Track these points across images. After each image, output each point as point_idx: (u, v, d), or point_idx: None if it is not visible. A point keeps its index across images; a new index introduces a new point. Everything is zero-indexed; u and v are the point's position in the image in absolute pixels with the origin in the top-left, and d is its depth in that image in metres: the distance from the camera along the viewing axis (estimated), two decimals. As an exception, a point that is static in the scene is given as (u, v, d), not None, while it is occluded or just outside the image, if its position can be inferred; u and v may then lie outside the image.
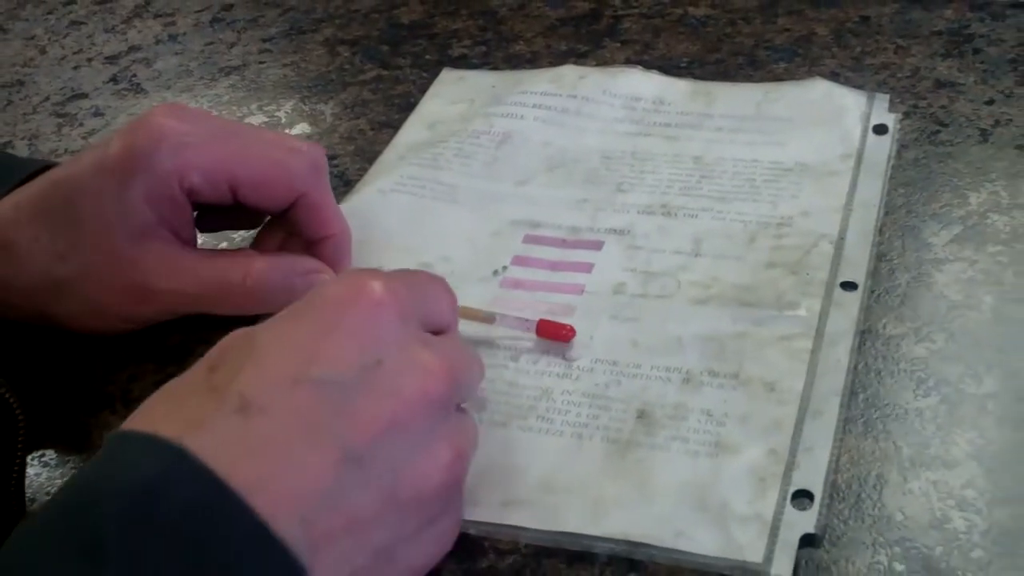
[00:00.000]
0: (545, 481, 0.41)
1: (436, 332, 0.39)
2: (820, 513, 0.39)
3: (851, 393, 0.43)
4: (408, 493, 0.35)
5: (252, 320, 0.42)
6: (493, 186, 0.55)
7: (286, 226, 0.49)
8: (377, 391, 0.34)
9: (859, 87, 0.58)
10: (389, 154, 0.59)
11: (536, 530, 0.40)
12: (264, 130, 0.61)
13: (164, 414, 0.33)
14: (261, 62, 0.69)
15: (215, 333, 0.46)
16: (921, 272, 0.48)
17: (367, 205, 0.54)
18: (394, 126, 0.61)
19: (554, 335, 0.46)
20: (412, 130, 0.60)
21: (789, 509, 0.39)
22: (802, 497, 0.39)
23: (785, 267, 0.48)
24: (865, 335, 0.45)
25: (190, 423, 0.32)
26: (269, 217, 0.51)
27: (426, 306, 0.39)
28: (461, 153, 0.57)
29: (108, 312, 0.47)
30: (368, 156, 0.58)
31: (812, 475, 0.40)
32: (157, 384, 0.45)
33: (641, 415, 0.43)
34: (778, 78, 0.60)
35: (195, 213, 0.48)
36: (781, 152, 0.55)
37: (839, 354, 0.44)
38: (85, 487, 0.32)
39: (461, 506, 0.39)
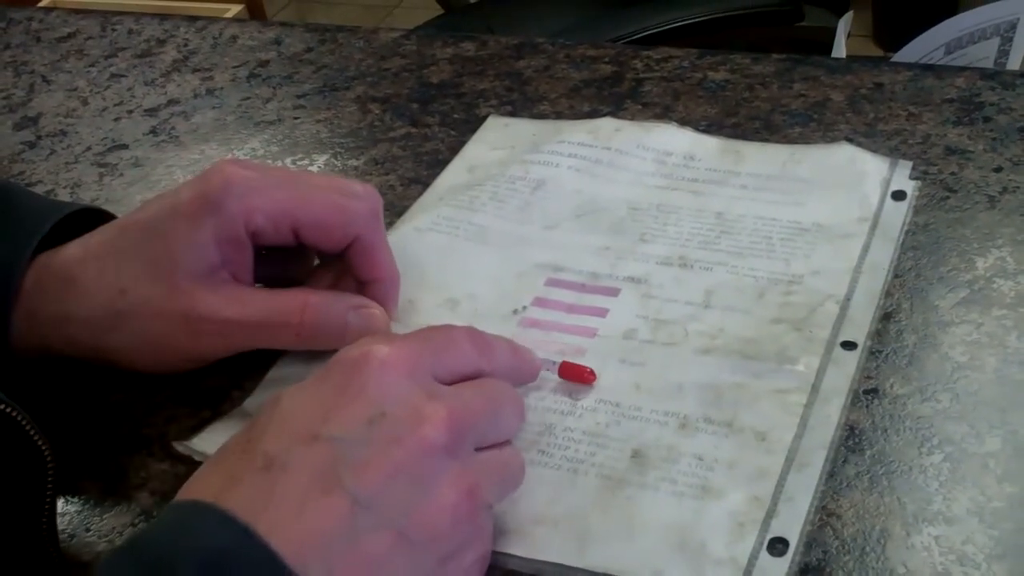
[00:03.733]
0: (537, 512, 0.43)
1: (465, 378, 0.42)
2: (793, 561, 0.41)
3: (838, 448, 0.45)
4: (419, 534, 0.38)
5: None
6: (522, 229, 0.58)
7: (337, 269, 0.52)
8: (381, 442, 0.38)
9: (871, 152, 0.60)
10: (429, 195, 0.62)
11: (521, 558, 0.42)
12: (325, 175, 0.64)
13: (211, 481, 0.38)
14: (295, 117, 0.71)
15: (251, 379, 0.51)
16: (928, 333, 0.49)
17: (404, 242, 0.57)
18: (423, 182, 0.63)
19: (576, 377, 0.49)
20: (453, 172, 0.63)
21: (764, 555, 0.41)
22: (778, 544, 0.41)
23: (790, 323, 0.50)
24: (872, 394, 0.47)
25: (227, 483, 0.37)
26: (318, 263, 0.54)
27: (443, 357, 0.42)
28: (496, 197, 0.60)
29: (162, 347, 0.50)
30: (397, 210, 0.60)
31: (790, 523, 0.42)
32: (193, 428, 0.49)
33: (636, 455, 0.45)
34: (793, 142, 0.62)
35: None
36: (800, 212, 0.57)
37: (831, 410, 0.46)
38: (161, 556, 0.35)
39: (488, 538, 0.41)
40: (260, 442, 0.38)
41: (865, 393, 0.47)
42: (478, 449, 0.41)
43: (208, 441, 0.48)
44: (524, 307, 0.54)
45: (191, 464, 0.47)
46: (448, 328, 0.45)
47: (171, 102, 0.75)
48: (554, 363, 0.49)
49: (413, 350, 0.41)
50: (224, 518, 0.35)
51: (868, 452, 0.45)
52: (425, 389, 0.40)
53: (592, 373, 0.49)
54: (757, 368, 0.48)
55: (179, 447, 0.48)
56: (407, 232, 0.59)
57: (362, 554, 0.36)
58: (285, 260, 0.54)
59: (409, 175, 0.64)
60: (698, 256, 0.55)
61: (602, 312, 0.53)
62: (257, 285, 0.52)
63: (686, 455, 0.45)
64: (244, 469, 0.37)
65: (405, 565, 0.37)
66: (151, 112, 0.75)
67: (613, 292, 0.54)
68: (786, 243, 0.55)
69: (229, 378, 0.52)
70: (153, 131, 0.72)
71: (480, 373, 0.44)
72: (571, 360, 0.50)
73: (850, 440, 0.45)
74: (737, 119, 0.65)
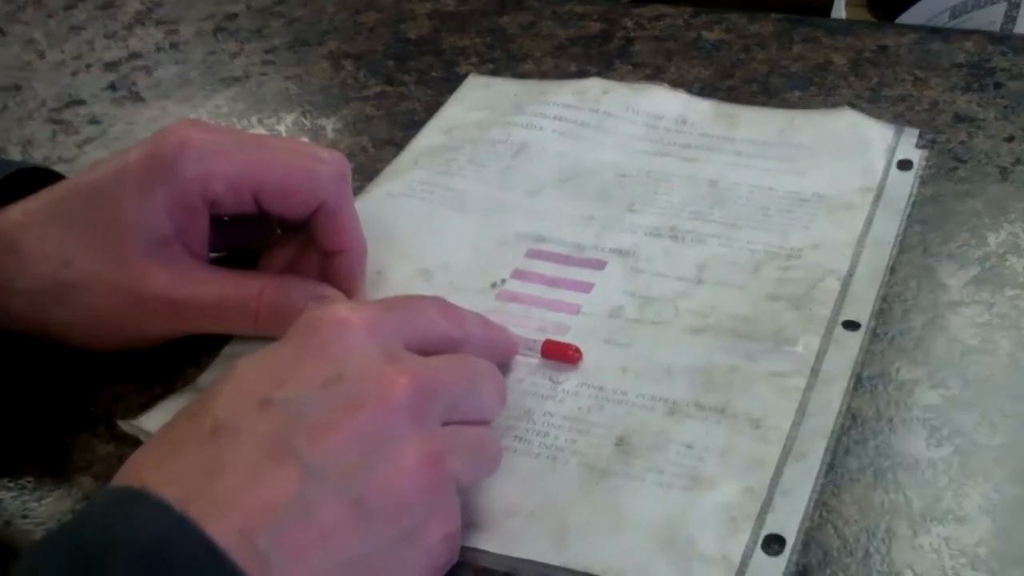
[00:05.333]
0: (511, 504, 0.40)
1: (438, 352, 0.39)
2: (790, 561, 0.38)
3: (839, 437, 0.42)
4: (375, 502, 0.34)
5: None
6: (503, 195, 0.55)
7: (300, 240, 0.49)
8: (335, 404, 0.35)
9: (875, 119, 0.57)
10: (404, 158, 0.58)
11: (495, 554, 0.39)
12: (288, 139, 0.60)
13: (155, 452, 0.35)
14: (263, 74, 0.68)
15: (207, 353, 0.48)
16: (936, 314, 0.46)
17: (375, 208, 0.54)
18: (397, 144, 0.59)
19: (560, 356, 0.45)
20: (430, 134, 0.60)
21: (759, 553, 0.38)
22: (774, 543, 0.38)
23: (788, 300, 0.47)
24: (876, 379, 0.44)
25: (171, 452, 0.35)
26: (280, 232, 0.50)
27: (410, 322, 0.40)
28: (475, 160, 0.57)
29: (109, 324, 0.46)
30: (369, 174, 0.57)
31: (787, 520, 0.39)
32: (141, 406, 0.46)
33: (620, 442, 0.42)
34: (792, 107, 0.59)
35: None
36: (799, 181, 0.53)
37: (832, 395, 0.43)
38: (93, 545, 0.32)
39: (455, 516, 0.37)
40: (211, 408, 0.35)
41: (868, 378, 0.44)
42: (449, 423, 0.38)
43: (157, 420, 0.44)
44: (503, 280, 0.50)
45: (138, 445, 0.43)
46: (415, 296, 0.43)
47: (133, 56, 0.72)
48: (535, 341, 0.46)
49: (377, 312, 0.39)
50: (160, 505, 0.32)
51: (872, 443, 0.42)
52: (389, 351, 0.37)
53: (577, 351, 0.46)
54: (752, 349, 0.45)
55: (125, 426, 0.45)
56: (378, 197, 0.55)
57: (314, 526, 0.33)
58: (244, 229, 0.50)
59: (383, 136, 0.61)
60: (690, 227, 0.52)
61: (586, 287, 0.49)
62: (213, 255, 0.49)
63: (675, 443, 0.42)
64: (191, 437, 0.35)
65: (361, 537, 0.34)
66: (111, 66, 0.71)
67: (599, 265, 0.50)
68: (784, 214, 0.52)
69: (183, 352, 0.48)
70: (112, 86, 0.69)
71: (453, 345, 0.41)
72: (554, 338, 0.46)
73: (852, 429, 0.42)
74: (733, 81, 0.62)
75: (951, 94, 0.59)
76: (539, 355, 0.46)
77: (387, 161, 0.58)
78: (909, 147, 0.55)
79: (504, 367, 0.45)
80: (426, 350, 0.39)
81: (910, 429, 0.42)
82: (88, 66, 0.71)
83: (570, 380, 0.45)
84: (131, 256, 0.45)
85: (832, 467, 0.41)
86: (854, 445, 0.41)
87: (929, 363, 0.44)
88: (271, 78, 0.67)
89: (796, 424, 0.42)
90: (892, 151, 0.54)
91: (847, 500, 0.40)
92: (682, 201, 0.53)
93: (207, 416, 0.35)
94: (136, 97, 0.67)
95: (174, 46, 0.72)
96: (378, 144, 0.60)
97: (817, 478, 0.40)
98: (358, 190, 0.56)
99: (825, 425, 0.42)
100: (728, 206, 0.53)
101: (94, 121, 0.65)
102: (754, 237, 0.50)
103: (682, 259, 0.50)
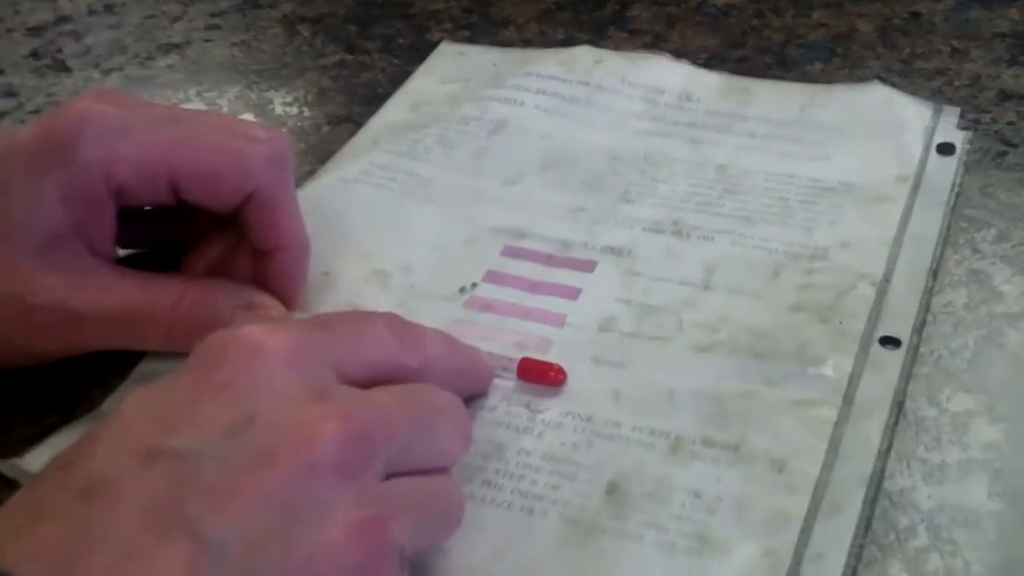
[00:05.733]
0: (478, 568, 0.32)
1: (387, 381, 0.32)
2: (824, 648, 0.30)
3: (880, 485, 0.34)
4: None
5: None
6: (476, 182, 0.47)
7: (230, 237, 0.42)
8: (240, 458, 0.27)
9: (910, 96, 0.50)
10: (362, 137, 0.51)
11: (453, 638, 0.31)
12: (216, 114, 0.53)
13: (15, 516, 0.28)
14: (207, 40, 0.61)
15: (118, 372, 0.40)
16: (992, 329, 0.39)
17: (324, 196, 0.46)
18: (355, 121, 0.52)
19: (539, 378, 0.38)
20: (394, 110, 0.52)
21: (784, 639, 0.30)
22: (803, 624, 0.30)
23: (813, 311, 0.39)
24: (923, 410, 0.36)
25: (32, 518, 0.27)
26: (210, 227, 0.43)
27: (350, 347, 0.32)
28: (444, 141, 0.49)
29: None
30: (321, 155, 0.50)
31: (819, 593, 0.31)
32: (30, 439, 0.37)
33: (612, 490, 0.34)
34: (813, 81, 0.52)
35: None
36: (823, 168, 0.46)
37: (870, 431, 0.35)
38: None
39: None
40: (86, 460, 0.28)
41: (914, 410, 0.36)
42: (394, 475, 0.30)
43: (44, 459, 0.36)
44: (474, 284, 0.42)
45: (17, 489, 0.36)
46: (360, 312, 0.36)
47: (61, 19, 0.64)
48: (511, 359, 0.38)
49: (305, 334, 0.31)
50: None
51: (923, 491, 0.34)
52: (315, 387, 0.29)
53: (561, 371, 0.38)
54: (771, 371, 0.37)
55: (3, 466, 0.37)
56: (330, 183, 0.47)
57: None
58: (167, 221, 0.43)
59: (340, 112, 0.54)
60: (696, 221, 0.44)
61: (573, 293, 0.42)
62: (128, 252, 0.42)
63: (679, 491, 0.34)
64: (59, 496, 0.27)
65: None
66: (36, 31, 0.63)
67: (588, 266, 0.43)
68: (806, 206, 0.44)
69: (88, 370, 0.40)
70: (35, 54, 0.61)
71: (409, 374, 0.33)
72: (533, 356, 0.38)
73: (897, 475, 0.35)
74: (744, 52, 0.56)
75: (995, 67, 0.52)
76: (515, 376, 0.38)
77: (342, 141, 0.51)
78: (950, 128, 0.48)
79: (474, 397, 0.37)
80: (373, 380, 0.31)
81: (967, 474, 0.34)
82: (9, 30, 0.63)
83: (551, 408, 0.37)
84: (16, 258, 0.37)
85: (872, 523, 0.33)
86: (899, 495, 0.34)
87: (986, 390, 0.37)
88: (216, 45, 0.60)
89: (827, 467, 0.34)
90: (931, 133, 0.47)
91: (895, 568, 0.32)
92: (686, 190, 0.46)
93: (80, 470, 0.27)
94: (60, 66, 0.60)
95: (108, 8, 0.65)
96: (334, 121, 0.53)
97: (855, 538, 0.33)
98: (308, 175, 0.49)
99: (863, 469, 0.34)
100: (740, 197, 0.45)
101: (10, 94, 0.58)
102: (771, 234, 0.43)
103: (687, 260, 0.42)
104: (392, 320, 0.34)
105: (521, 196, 0.46)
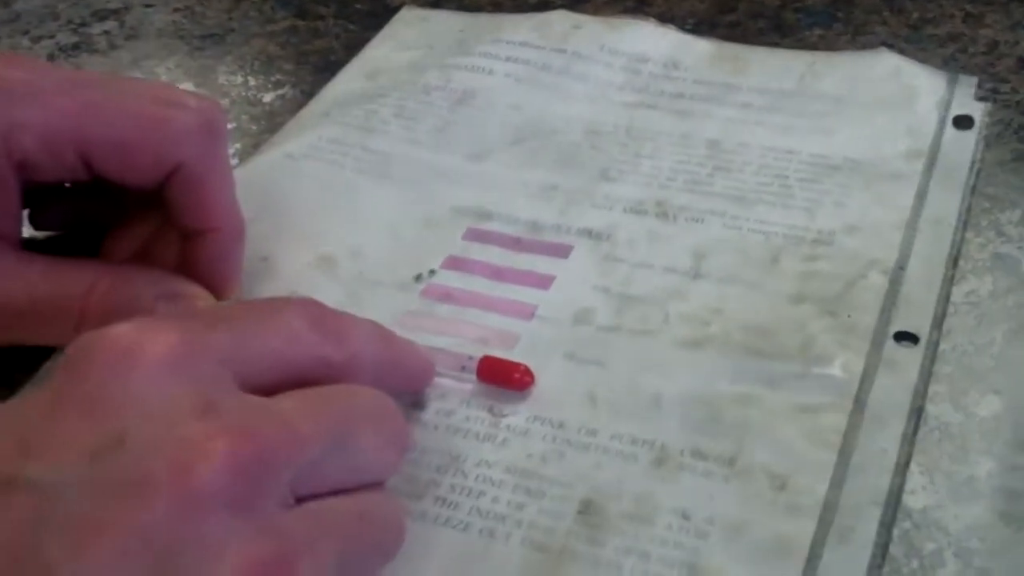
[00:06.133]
0: (427, 606, 0.28)
1: (301, 385, 0.27)
2: None
3: (897, 504, 0.29)
4: None
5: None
6: (438, 159, 0.42)
7: (154, 219, 0.37)
8: (108, 488, 0.23)
9: (921, 64, 0.46)
10: (312, 109, 0.46)
11: None
12: (136, 79, 0.48)
13: None
14: (148, 5, 0.56)
15: (26, 370, 0.35)
16: (1022, 322, 0.35)
17: (268, 173, 0.42)
18: (306, 91, 0.48)
19: (503, 380, 0.33)
20: (348, 79, 0.48)
21: None
22: (811, 671, 0.26)
23: (817, 303, 0.35)
24: (946, 415, 0.32)
25: None
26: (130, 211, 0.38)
27: (254, 348, 0.27)
28: (403, 113, 0.44)
29: None
30: (268, 129, 0.46)
31: (829, 635, 0.26)
32: None
33: (586, 509, 0.30)
34: (812, 48, 0.48)
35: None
36: (826, 143, 0.42)
37: (886, 441, 0.31)
38: None
39: None
40: None
41: (935, 415, 0.32)
42: (305, 498, 0.25)
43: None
44: (432, 271, 0.38)
45: None
46: (271, 300, 0.31)
47: (-19, -17, 0.59)
48: (470, 358, 0.34)
49: (195, 331, 0.26)
50: None
51: (949, 511, 0.29)
52: (202, 397, 0.25)
53: (528, 373, 0.34)
54: (771, 371, 0.33)
55: None
56: (275, 159, 0.43)
57: None
58: (86, 199, 0.38)
59: (288, 81, 0.49)
60: (683, 201, 0.40)
61: (544, 281, 0.37)
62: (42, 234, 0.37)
63: (664, 510, 0.30)
64: None
65: None
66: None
67: (561, 251, 0.38)
68: (808, 185, 0.40)
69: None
70: (-54, 25, 0.56)
71: (331, 373, 0.28)
72: (496, 354, 0.34)
73: (918, 492, 0.30)
74: (735, 16, 0.51)
75: (1013, 33, 0.48)
76: (475, 377, 0.33)
77: (292, 113, 0.46)
78: (967, 100, 0.43)
79: (415, 397, 0.33)
80: (285, 383, 0.27)
81: (999, 495, 0.30)
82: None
83: (517, 414, 0.33)
84: None
85: (889, 549, 0.29)
86: (922, 515, 0.29)
87: (1018, 391, 0.32)
88: (156, 10, 0.56)
89: (837, 484, 0.30)
90: (946, 104, 0.43)
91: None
92: (673, 167, 0.41)
93: None
94: (-29, 34, 0.55)
95: (41, -28, 0.59)
96: (282, 92, 0.49)
97: (871, 568, 0.28)
98: (252, 151, 0.44)
99: (879, 486, 0.30)
100: (734, 174, 0.41)
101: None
102: (769, 216, 0.39)
103: (673, 244, 0.38)
104: (309, 308, 0.29)
105: (488, 173, 0.42)
